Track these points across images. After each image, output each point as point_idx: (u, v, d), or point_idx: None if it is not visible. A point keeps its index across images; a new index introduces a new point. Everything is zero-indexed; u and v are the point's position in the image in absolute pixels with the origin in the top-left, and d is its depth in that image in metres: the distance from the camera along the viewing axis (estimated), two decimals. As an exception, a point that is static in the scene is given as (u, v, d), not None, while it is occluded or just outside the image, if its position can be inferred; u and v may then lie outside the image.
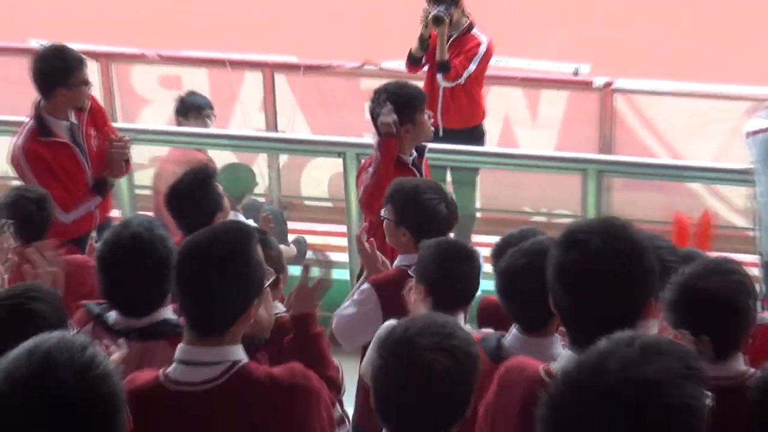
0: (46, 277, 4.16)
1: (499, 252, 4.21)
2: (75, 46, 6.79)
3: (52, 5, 13.49)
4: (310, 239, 8.10)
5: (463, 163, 8.03)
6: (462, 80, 8.12)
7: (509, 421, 3.12)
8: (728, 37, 12.55)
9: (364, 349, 4.55)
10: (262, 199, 8.78)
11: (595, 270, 2.95)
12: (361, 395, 4.77)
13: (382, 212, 5.11)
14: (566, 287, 3.01)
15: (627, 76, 9.69)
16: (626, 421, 2.23)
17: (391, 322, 3.20)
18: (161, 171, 7.89)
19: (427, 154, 6.32)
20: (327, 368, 3.78)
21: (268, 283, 3.40)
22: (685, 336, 3.14)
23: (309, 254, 8.00)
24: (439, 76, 8.05)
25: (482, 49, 8.15)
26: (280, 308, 4.43)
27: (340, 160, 7.57)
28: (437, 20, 7.91)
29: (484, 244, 6.34)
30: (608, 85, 9.33)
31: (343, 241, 7.66)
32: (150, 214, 6.95)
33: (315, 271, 4.73)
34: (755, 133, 6.86)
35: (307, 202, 9.34)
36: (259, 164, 9.04)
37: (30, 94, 6.26)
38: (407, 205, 4.93)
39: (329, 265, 7.63)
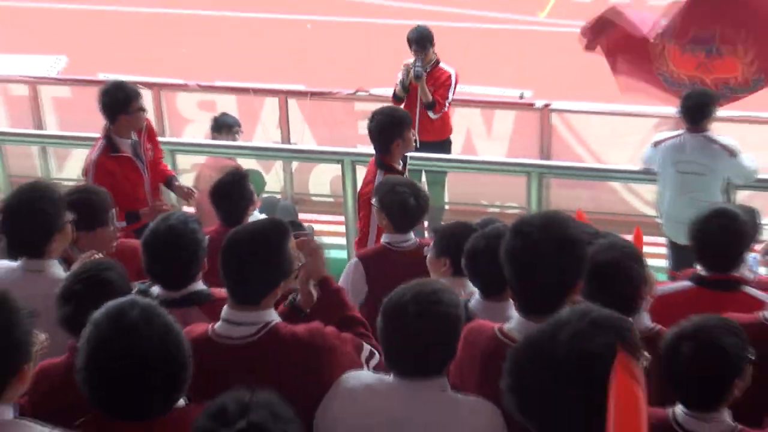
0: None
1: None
2: (133, 78, 6.81)
3: (115, 46, 13.44)
4: (316, 227, 8.09)
5: (435, 167, 8.03)
6: (446, 108, 8.14)
7: (473, 370, 3.11)
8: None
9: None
10: (278, 196, 8.78)
11: (534, 255, 2.94)
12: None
13: (372, 200, 5.13)
14: (512, 267, 3.01)
15: (561, 99, 9.67)
16: (571, 387, 2.15)
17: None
18: (200, 174, 7.90)
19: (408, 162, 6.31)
20: (352, 310, 3.69)
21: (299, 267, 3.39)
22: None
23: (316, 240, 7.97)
24: (429, 112, 8.05)
25: (453, 80, 8.13)
26: None
27: (339, 166, 7.60)
28: (417, 77, 7.92)
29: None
30: (546, 106, 9.29)
31: (341, 228, 7.68)
32: (192, 207, 7.00)
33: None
34: (660, 142, 6.89)
35: (313, 198, 9.32)
36: (276, 169, 9.03)
37: (96, 115, 6.20)
38: (385, 196, 4.93)
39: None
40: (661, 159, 6.80)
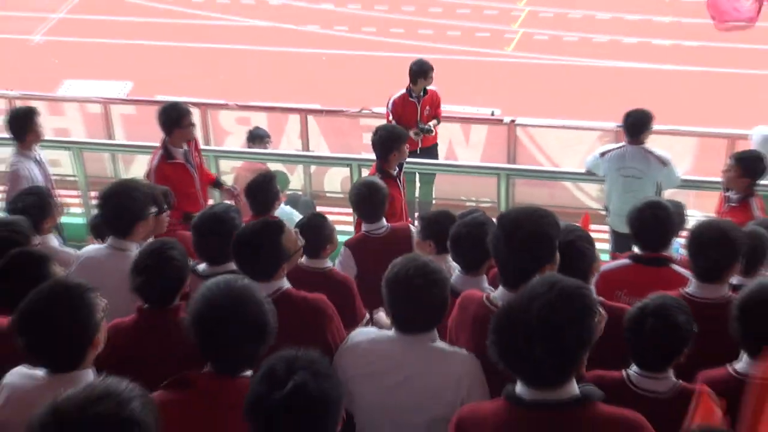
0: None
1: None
2: (184, 99, 6.74)
3: (171, 73, 13.42)
4: (330, 217, 8.02)
5: (426, 170, 8.01)
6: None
7: (466, 330, 3.10)
8: (587, 86, 12.57)
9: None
10: (300, 193, 8.74)
11: (512, 242, 2.90)
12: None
13: None
14: (497, 252, 2.97)
15: (524, 116, 9.65)
16: (542, 351, 2.20)
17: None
18: (238, 176, 7.85)
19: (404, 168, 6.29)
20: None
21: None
22: None
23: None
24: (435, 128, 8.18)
25: (439, 96, 8.21)
26: (328, 264, 4.36)
27: (348, 169, 7.63)
28: (429, 131, 8.03)
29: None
30: (512, 121, 9.29)
31: (349, 219, 7.62)
32: (232, 201, 6.94)
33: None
34: (606, 153, 6.88)
35: (327, 195, 9.28)
36: (298, 171, 8.96)
37: (156, 128, 6.18)
38: (350, 193, 5.12)
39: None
40: (607, 166, 6.79)
